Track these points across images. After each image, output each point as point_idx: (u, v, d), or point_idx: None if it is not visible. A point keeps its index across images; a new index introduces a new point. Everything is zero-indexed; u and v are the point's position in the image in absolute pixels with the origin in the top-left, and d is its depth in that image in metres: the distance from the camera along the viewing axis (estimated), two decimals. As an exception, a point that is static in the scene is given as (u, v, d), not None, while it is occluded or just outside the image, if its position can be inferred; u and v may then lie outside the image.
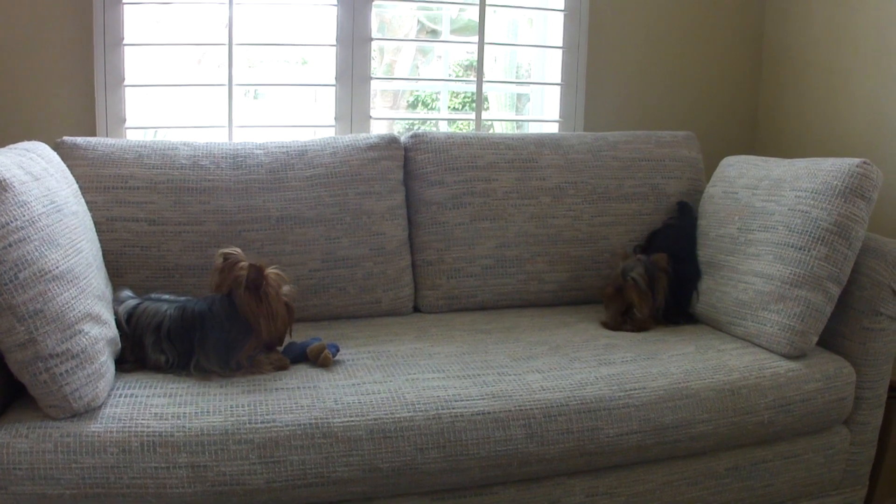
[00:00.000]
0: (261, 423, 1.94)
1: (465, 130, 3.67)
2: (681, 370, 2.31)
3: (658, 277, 2.68)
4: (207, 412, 1.95)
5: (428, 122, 3.90)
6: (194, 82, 3.37)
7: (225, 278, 2.21)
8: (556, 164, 2.98)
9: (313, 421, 1.97)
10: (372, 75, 3.25)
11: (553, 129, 3.54)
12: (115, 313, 2.20)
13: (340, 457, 1.95)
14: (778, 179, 2.64)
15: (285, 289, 2.23)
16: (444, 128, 3.80)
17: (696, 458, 2.31)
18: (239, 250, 2.24)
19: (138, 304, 2.25)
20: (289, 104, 3.73)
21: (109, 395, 1.99)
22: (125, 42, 2.98)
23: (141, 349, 2.19)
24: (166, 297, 2.28)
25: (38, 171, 2.08)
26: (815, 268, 2.42)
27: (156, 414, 1.93)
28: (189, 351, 2.15)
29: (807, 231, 2.45)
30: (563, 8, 3.44)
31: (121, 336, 2.17)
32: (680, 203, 3.01)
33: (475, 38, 3.35)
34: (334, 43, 3.18)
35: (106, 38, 2.95)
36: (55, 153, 2.37)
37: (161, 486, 1.85)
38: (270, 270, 2.21)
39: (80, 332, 1.92)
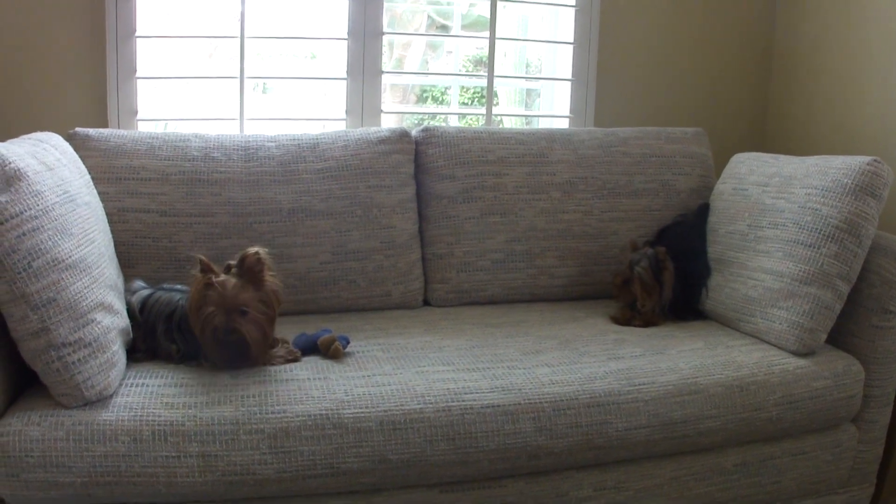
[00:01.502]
0: (271, 413, 1.95)
1: (475, 125, 3.67)
2: (689, 366, 2.32)
3: (663, 269, 2.68)
4: (218, 402, 1.96)
5: (438, 116, 3.91)
6: (206, 75, 3.38)
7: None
8: (566, 159, 2.98)
9: (324, 412, 1.97)
10: (383, 69, 3.25)
11: (563, 124, 3.54)
12: (129, 303, 2.21)
13: (350, 448, 1.96)
14: (788, 177, 2.64)
15: (218, 318, 2.07)
16: (454, 122, 3.80)
17: (703, 454, 2.31)
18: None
19: (151, 293, 2.26)
20: (299, 98, 3.74)
21: (121, 385, 2.00)
22: (137, 34, 2.98)
23: (153, 338, 2.20)
24: (179, 287, 2.29)
25: (52, 162, 2.08)
26: (824, 265, 2.42)
27: (167, 403, 1.94)
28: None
29: (817, 228, 2.45)
30: (573, 3, 3.44)
31: (133, 326, 2.18)
32: (701, 204, 3.00)
33: (486, 34, 3.35)
34: (345, 37, 3.19)
35: (118, 31, 2.95)
36: (68, 144, 2.37)
37: (172, 476, 1.86)
38: (227, 280, 2.10)
39: (92, 321, 1.93)
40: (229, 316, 2.07)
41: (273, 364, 2.18)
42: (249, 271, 2.11)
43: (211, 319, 2.06)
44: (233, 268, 2.13)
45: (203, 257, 2.11)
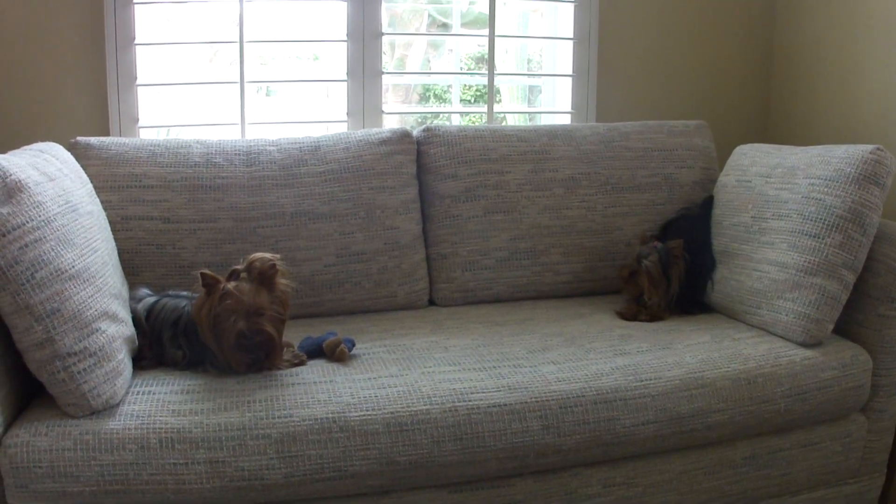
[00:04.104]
0: (278, 418, 1.95)
1: (477, 123, 3.67)
2: (696, 360, 2.31)
3: (673, 264, 2.68)
4: (225, 408, 1.96)
5: (440, 115, 3.90)
6: (206, 80, 3.38)
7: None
8: (568, 155, 2.97)
9: (330, 415, 1.98)
10: (383, 70, 3.25)
11: (565, 120, 3.54)
12: (134, 311, 2.21)
13: (357, 450, 1.96)
14: (791, 167, 2.63)
15: (241, 323, 2.07)
16: (456, 121, 3.80)
17: (712, 448, 2.31)
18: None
19: (157, 300, 2.26)
20: (301, 100, 3.74)
21: (127, 393, 2.01)
22: (136, 42, 2.99)
23: (159, 345, 2.20)
24: (184, 293, 2.29)
25: (53, 172, 2.09)
26: (829, 255, 2.41)
27: (173, 410, 1.94)
28: (206, 346, 2.15)
29: (821, 218, 2.44)
30: (573, -1, 3.44)
31: (139, 334, 2.18)
32: (706, 197, 2.99)
33: (486, 31, 3.34)
34: (345, 38, 3.19)
35: (118, 38, 2.96)
36: (69, 153, 2.38)
37: (180, 482, 1.86)
38: (240, 286, 2.09)
39: (96, 330, 1.93)
40: (250, 319, 2.07)
41: (279, 368, 2.19)
42: (262, 276, 2.11)
43: (234, 326, 2.06)
44: (241, 273, 2.12)
45: (205, 271, 2.10)
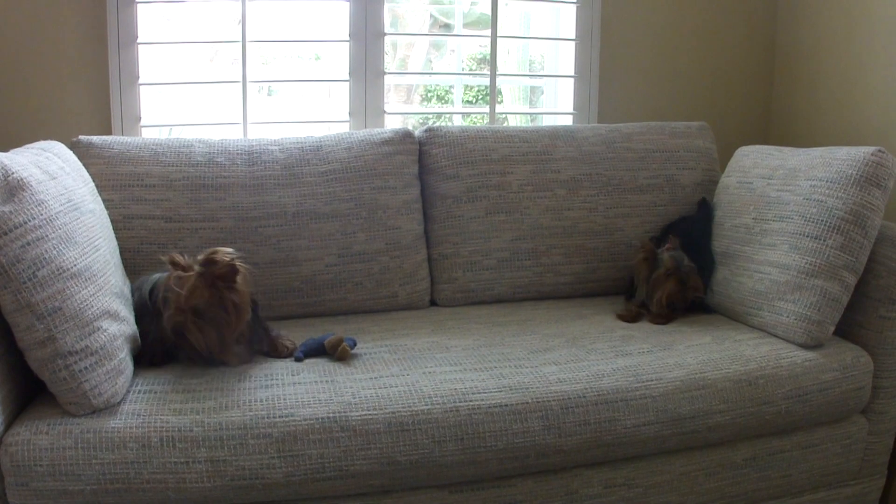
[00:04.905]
0: (279, 417, 1.95)
1: (479, 124, 3.67)
2: (697, 361, 2.31)
3: (691, 272, 2.67)
4: (226, 407, 1.96)
5: (442, 116, 3.91)
6: (208, 80, 3.38)
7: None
8: (570, 156, 2.98)
9: (331, 415, 1.97)
10: (385, 70, 3.26)
11: (567, 121, 3.54)
12: (139, 297, 2.21)
13: (359, 450, 1.96)
14: (793, 169, 2.63)
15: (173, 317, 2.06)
16: (458, 121, 3.80)
17: (713, 449, 2.30)
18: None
19: (157, 278, 2.23)
20: (303, 100, 3.74)
21: (128, 392, 2.01)
22: (139, 41, 2.99)
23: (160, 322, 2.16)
24: None
25: (55, 170, 2.09)
26: (830, 257, 2.41)
27: (174, 409, 1.94)
28: None
29: (822, 220, 2.44)
30: (575, 0, 3.44)
31: (144, 314, 2.18)
32: (701, 200, 3.00)
33: (488, 32, 3.35)
34: (347, 38, 3.19)
35: (120, 37, 2.96)
36: (71, 152, 2.38)
37: (181, 481, 1.86)
38: (185, 279, 2.07)
39: (98, 329, 1.93)
40: (180, 316, 2.05)
41: (279, 355, 2.21)
42: (221, 278, 2.08)
43: (169, 319, 2.05)
44: (194, 266, 2.09)
45: (172, 255, 2.09)
